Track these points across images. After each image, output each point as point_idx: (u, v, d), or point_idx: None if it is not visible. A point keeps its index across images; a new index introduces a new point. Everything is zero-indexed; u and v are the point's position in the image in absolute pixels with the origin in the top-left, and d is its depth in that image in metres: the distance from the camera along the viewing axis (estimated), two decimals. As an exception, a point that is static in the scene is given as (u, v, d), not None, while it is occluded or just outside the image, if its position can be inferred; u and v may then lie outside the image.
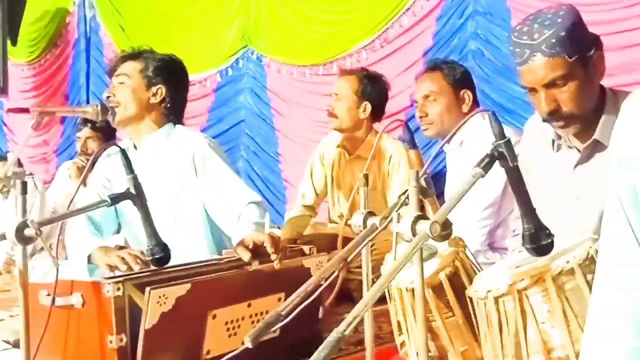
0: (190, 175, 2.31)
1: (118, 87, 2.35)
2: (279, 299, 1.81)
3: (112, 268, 1.96)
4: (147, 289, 1.51)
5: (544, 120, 1.74)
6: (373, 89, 3.17)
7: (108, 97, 2.33)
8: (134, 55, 2.41)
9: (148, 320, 1.50)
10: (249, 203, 2.21)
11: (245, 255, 1.76)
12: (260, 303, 1.76)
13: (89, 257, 2.08)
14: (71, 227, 2.31)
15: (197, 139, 2.38)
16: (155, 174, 2.29)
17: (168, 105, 2.38)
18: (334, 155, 3.29)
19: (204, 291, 1.65)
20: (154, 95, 2.36)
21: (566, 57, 1.63)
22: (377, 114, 3.18)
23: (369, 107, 3.13)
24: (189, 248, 2.29)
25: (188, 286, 1.59)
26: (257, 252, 1.79)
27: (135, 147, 2.40)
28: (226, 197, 2.26)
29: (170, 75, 2.40)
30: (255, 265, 1.76)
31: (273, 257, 1.77)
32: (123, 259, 1.93)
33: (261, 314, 1.76)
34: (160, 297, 1.52)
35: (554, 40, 1.61)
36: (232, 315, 1.69)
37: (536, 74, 1.66)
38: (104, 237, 2.32)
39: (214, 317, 1.65)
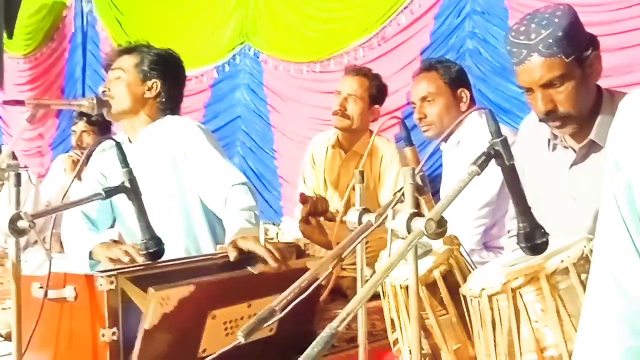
0: (184, 162, 2.29)
1: (113, 81, 2.34)
2: (279, 300, 1.80)
3: (114, 261, 1.95)
4: (151, 289, 1.49)
5: (540, 120, 1.74)
6: (382, 92, 3.19)
7: (104, 91, 2.32)
8: (130, 50, 2.40)
9: (149, 321, 1.48)
10: (234, 185, 2.16)
11: (232, 255, 1.76)
12: (261, 303, 1.74)
13: (90, 253, 2.07)
14: (67, 224, 2.30)
15: (186, 123, 2.37)
16: (150, 166, 2.28)
17: (163, 100, 2.37)
18: (327, 156, 3.29)
19: (207, 292, 1.63)
20: (149, 89, 2.35)
21: (563, 57, 1.63)
22: (378, 116, 3.21)
23: (378, 111, 3.17)
24: (186, 241, 2.28)
25: (192, 288, 1.57)
26: (247, 256, 1.79)
27: (130, 140, 2.39)
28: (211, 179, 2.22)
29: (166, 69, 2.38)
30: (260, 269, 1.75)
31: (273, 265, 1.75)
32: (126, 251, 1.93)
33: (259, 313, 1.75)
34: (163, 298, 1.51)
35: (550, 41, 1.61)
36: (232, 316, 1.68)
37: (533, 74, 1.66)
38: (99, 233, 2.31)
39: (214, 317, 1.64)
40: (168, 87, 2.37)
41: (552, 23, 1.62)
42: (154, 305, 1.48)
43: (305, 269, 1.89)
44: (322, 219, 2.94)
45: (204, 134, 2.32)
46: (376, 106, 3.17)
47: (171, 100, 2.40)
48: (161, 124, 2.36)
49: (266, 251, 1.74)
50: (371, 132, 3.20)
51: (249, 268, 1.76)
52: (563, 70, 1.64)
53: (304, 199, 2.80)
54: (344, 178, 3.23)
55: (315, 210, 2.75)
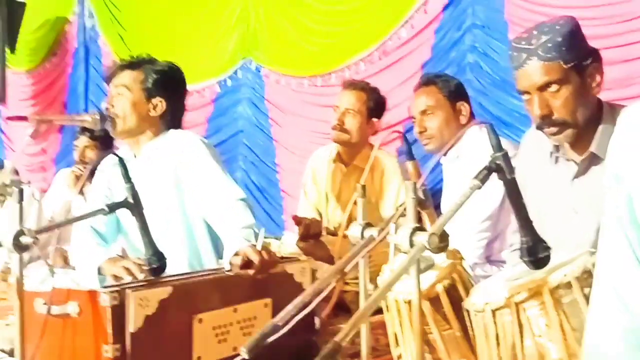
0: (186, 176, 2.29)
1: (117, 97, 2.32)
2: (266, 305, 1.83)
3: (117, 278, 1.95)
4: (128, 291, 1.52)
5: (537, 128, 1.75)
6: (381, 106, 3.20)
7: (107, 107, 2.32)
8: (133, 65, 2.38)
9: (132, 324, 1.51)
10: (234, 201, 2.16)
11: (235, 268, 1.80)
12: (247, 308, 1.78)
13: (99, 268, 2.07)
14: (76, 239, 2.30)
15: (188, 137, 2.36)
16: (154, 181, 2.28)
17: (168, 118, 2.37)
18: (328, 170, 3.30)
19: (187, 294, 1.67)
20: (154, 108, 2.33)
21: (561, 62, 1.65)
22: (378, 129, 3.22)
23: (377, 125, 3.17)
24: (189, 256, 2.28)
25: (170, 289, 1.61)
26: (246, 265, 1.81)
27: (134, 156, 2.39)
28: (211, 194, 2.21)
29: (170, 86, 2.38)
30: (236, 270, 1.78)
31: (250, 272, 1.79)
32: (127, 269, 1.93)
33: (249, 319, 1.78)
34: (141, 299, 1.53)
35: (550, 45, 1.63)
36: (219, 320, 1.71)
37: (531, 77, 1.67)
38: (109, 247, 2.31)
39: (200, 321, 1.66)
40: (172, 103, 2.37)
41: (553, 30, 1.65)
42: (134, 307, 1.50)
43: (286, 273, 1.92)
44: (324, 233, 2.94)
45: (206, 148, 2.31)
46: (375, 119, 3.17)
47: (175, 116, 2.40)
48: (164, 138, 2.37)
49: (259, 258, 1.78)
50: (371, 145, 3.21)
51: (225, 271, 1.80)
52: (560, 75, 1.66)
53: (297, 220, 2.81)
54: (345, 192, 3.23)
55: (307, 234, 2.77)
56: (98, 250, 2.20)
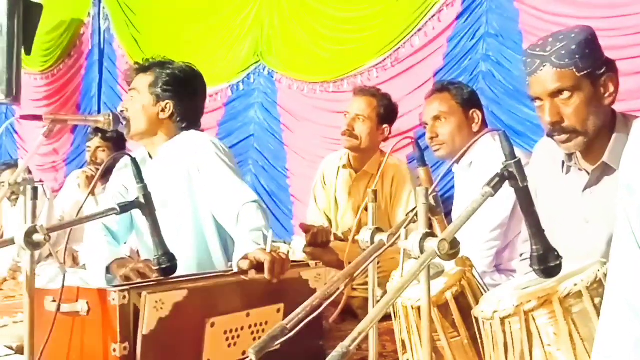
0: (197, 178, 2.30)
1: (130, 100, 2.37)
2: (278, 310, 1.82)
3: (127, 279, 1.96)
4: (144, 293, 1.52)
5: (548, 135, 1.74)
6: (392, 112, 3.22)
7: (122, 111, 2.35)
8: (145, 68, 2.42)
9: (145, 326, 1.51)
10: (245, 203, 2.16)
11: (251, 273, 1.81)
12: (259, 313, 1.78)
13: (107, 268, 2.08)
14: (89, 237, 2.32)
15: (200, 138, 2.37)
16: (167, 182, 2.30)
17: (179, 119, 2.38)
18: (338, 176, 3.30)
19: (201, 298, 1.66)
20: (163, 110, 2.36)
21: (574, 70, 1.65)
22: (389, 135, 3.24)
23: (387, 130, 3.19)
24: (199, 257, 2.29)
25: (185, 292, 1.61)
26: (259, 268, 1.82)
27: (150, 156, 2.41)
28: (223, 196, 2.22)
29: (180, 88, 2.39)
30: (252, 275, 1.78)
31: (267, 276, 1.78)
32: (137, 271, 1.94)
33: (260, 324, 1.78)
34: (156, 302, 1.53)
35: (563, 52, 1.63)
36: (231, 325, 1.70)
37: (543, 83, 1.67)
38: (120, 245, 2.33)
39: (213, 325, 1.66)
40: (183, 105, 2.38)
41: (568, 37, 1.65)
42: (148, 310, 1.50)
43: (300, 279, 1.92)
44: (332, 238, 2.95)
45: (217, 149, 2.32)
46: (385, 126, 3.19)
47: (188, 117, 2.41)
48: (178, 140, 2.38)
49: (269, 259, 1.77)
50: (382, 152, 3.22)
51: (242, 275, 1.80)
52: (573, 82, 1.66)
53: (305, 228, 2.82)
54: (355, 198, 3.24)
55: (315, 242, 2.77)
56: (108, 249, 2.21)
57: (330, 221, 3.37)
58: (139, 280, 1.91)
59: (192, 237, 2.30)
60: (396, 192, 3.10)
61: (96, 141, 4.08)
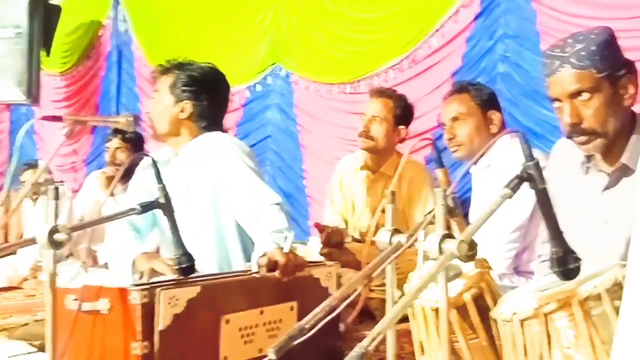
0: (220, 179, 2.31)
1: (152, 103, 2.42)
2: (291, 308, 1.84)
3: (142, 276, 1.98)
4: (158, 289, 1.54)
5: (567, 136, 1.74)
6: (408, 113, 3.22)
7: (147, 112, 2.40)
8: (166, 70, 2.45)
9: (161, 322, 1.53)
10: (269, 205, 2.17)
11: (262, 270, 1.82)
12: (273, 311, 1.79)
13: (133, 262, 2.11)
14: (113, 232, 2.35)
15: (226, 141, 2.39)
16: (188, 182, 2.32)
17: (199, 119, 2.40)
18: (355, 178, 3.30)
19: (215, 295, 1.69)
20: (182, 111, 2.38)
21: (594, 71, 1.64)
22: (403, 139, 3.23)
23: (404, 132, 3.19)
24: (218, 258, 2.31)
25: (198, 289, 1.63)
26: (274, 267, 1.83)
27: (176, 155, 2.44)
28: (246, 198, 2.23)
29: (198, 88, 2.40)
30: (263, 272, 1.79)
31: (278, 275, 1.80)
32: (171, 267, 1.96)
33: (274, 322, 1.80)
34: (170, 298, 1.55)
35: (583, 53, 1.63)
36: (246, 322, 1.72)
37: (562, 84, 1.67)
38: (144, 242, 2.36)
39: (228, 322, 1.68)
40: (201, 105, 2.39)
41: (588, 39, 1.64)
42: (163, 306, 1.52)
43: (312, 277, 1.93)
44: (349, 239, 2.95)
45: (240, 150, 2.34)
46: (401, 127, 3.18)
47: (207, 117, 2.42)
48: (201, 141, 2.40)
49: (284, 259, 1.79)
50: (399, 153, 3.22)
51: (252, 272, 1.81)
52: (592, 84, 1.65)
53: (320, 228, 2.83)
54: (372, 199, 3.24)
55: (328, 242, 2.78)
56: (134, 244, 2.23)
57: (346, 223, 3.38)
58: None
59: (212, 238, 2.32)
60: (414, 193, 3.10)
61: (115, 142, 4.13)
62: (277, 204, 2.19)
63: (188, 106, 2.38)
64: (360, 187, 3.29)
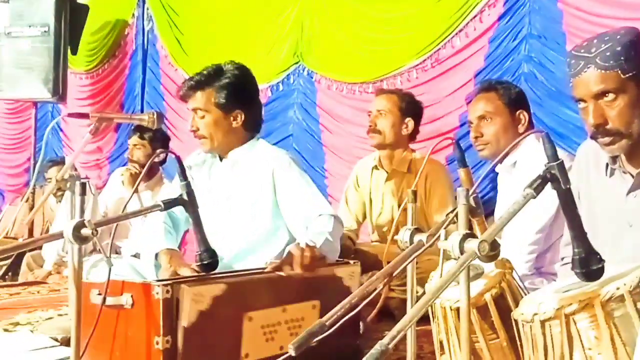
0: (269, 188, 2.36)
1: (200, 121, 2.41)
2: (313, 306, 1.85)
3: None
4: (184, 286, 1.56)
5: (591, 137, 1.72)
6: (414, 107, 3.26)
7: (194, 130, 2.42)
8: (202, 85, 2.42)
9: (186, 318, 1.54)
10: (321, 215, 2.23)
11: (285, 268, 1.85)
12: (295, 309, 1.81)
13: (156, 255, 2.14)
14: (149, 223, 2.40)
15: (279, 154, 2.45)
16: (237, 184, 2.38)
17: (250, 123, 2.46)
18: (372, 177, 3.33)
19: (239, 292, 1.70)
20: (234, 119, 2.42)
21: (619, 72, 1.62)
22: (414, 133, 3.26)
23: (411, 124, 3.22)
24: (256, 257, 2.33)
25: (223, 286, 1.64)
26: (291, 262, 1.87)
27: (220, 158, 2.48)
28: (302, 210, 2.29)
29: (244, 95, 2.45)
30: (287, 271, 1.80)
31: (295, 269, 1.83)
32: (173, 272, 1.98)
33: (296, 320, 1.81)
34: (195, 294, 1.57)
35: (608, 54, 1.61)
36: (268, 320, 1.74)
37: (587, 85, 1.65)
38: (179, 232, 2.41)
39: (250, 319, 1.69)
40: (249, 109, 2.45)
41: (614, 39, 1.62)
42: (189, 303, 1.54)
43: (335, 276, 1.94)
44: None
45: (294, 162, 2.41)
46: (408, 119, 3.20)
47: (257, 118, 2.50)
48: (252, 147, 2.45)
49: (299, 252, 1.79)
50: (411, 149, 3.25)
51: (277, 272, 1.82)
52: (617, 84, 1.63)
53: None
54: (389, 197, 3.26)
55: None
56: (162, 237, 2.26)
57: (359, 224, 3.40)
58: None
59: (250, 238, 2.36)
60: (430, 189, 3.11)
61: (134, 139, 4.18)
62: (331, 215, 2.25)
63: (240, 115, 2.42)
64: (376, 186, 3.31)
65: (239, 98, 2.41)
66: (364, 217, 3.41)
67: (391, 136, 3.19)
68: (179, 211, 2.37)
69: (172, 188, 2.53)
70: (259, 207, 2.36)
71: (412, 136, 3.28)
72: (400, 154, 3.23)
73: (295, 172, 2.37)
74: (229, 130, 2.41)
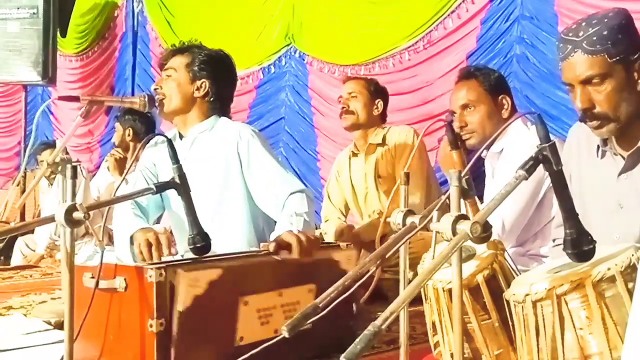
0: (235, 164, 2.34)
1: (165, 80, 2.42)
2: (310, 290, 1.85)
3: (140, 252, 2.00)
4: (180, 270, 1.55)
5: (580, 120, 1.72)
6: (382, 90, 3.40)
7: (155, 89, 2.40)
8: (183, 50, 2.47)
9: (182, 303, 1.54)
10: (292, 192, 2.22)
11: (271, 246, 1.84)
12: (291, 293, 1.81)
13: (131, 238, 2.12)
14: (118, 213, 2.37)
15: (240, 128, 2.41)
16: (199, 163, 2.34)
17: (212, 99, 2.42)
18: (350, 165, 3.42)
19: (235, 276, 1.70)
20: (198, 89, 2.40)
21: (606, 56, 1.62)
22: (384, 114, 3.39)
23: (381, 104, 3.35)
24: (229, 238, 2.32)
25: (219, 271, 1.64)
26: (289, 249, 1.86)
27: (180, 137, 2.46)
28: (271, 187, 2.28)
29: (216, 69, 2.43)
30: (284, 255, 1.80)
31: (295, 256, 1.82)
32: (147, 241, 1.97)
33: (292, 304, 1.81)
34: (192, 279, 1.57)
35: (595, 38, 1.60)
36: (264, 304, 1.74)
37: (574, 70, 1.65)
38: (148, 221, 2.37)
39: (246, 303, 1.69)
40: (217, 86, 2.43)
41: (601, 22, 1.62)
42: (185, 287, 1.54)
43: (332, 260, 1.94)
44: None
45: (260, 141, 2.37)
46: (378, 100, 3.35)
47: (220, 100, 2.45)
48: (212, 124, 2.42)
49: (295, 240, 1.81)
50: (382, 126, 3.36)
51: (274, 256, 1.82)
52: (604, 69, 1.62)
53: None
54: (370, 176, 3.33)
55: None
56: (134, 220, 2.24)
57: (345, 215, 3.45)
58: (155, 254, 1.95)
59: (222, 220, 2.34)
60: (397, 154, 3.25)
61: (117, 125, 4.21)
62: (301, 191, 2.24)
63: (205, 84, 2.41)
64: (356, 170, 3.37)
65: (209, 69, 2.41)
66: (347, 209, 3.48)
67: (364, 115, 3.30)
68: (145, 199, 2.37)
69: (141, 162, 2.52)
70: (224, 189, 2.34)
71: (383, 117, 3.38)
72: (373, 131, 3.35)
73: (258, 146, 2.34)
74: (189, 98, 2.39)
